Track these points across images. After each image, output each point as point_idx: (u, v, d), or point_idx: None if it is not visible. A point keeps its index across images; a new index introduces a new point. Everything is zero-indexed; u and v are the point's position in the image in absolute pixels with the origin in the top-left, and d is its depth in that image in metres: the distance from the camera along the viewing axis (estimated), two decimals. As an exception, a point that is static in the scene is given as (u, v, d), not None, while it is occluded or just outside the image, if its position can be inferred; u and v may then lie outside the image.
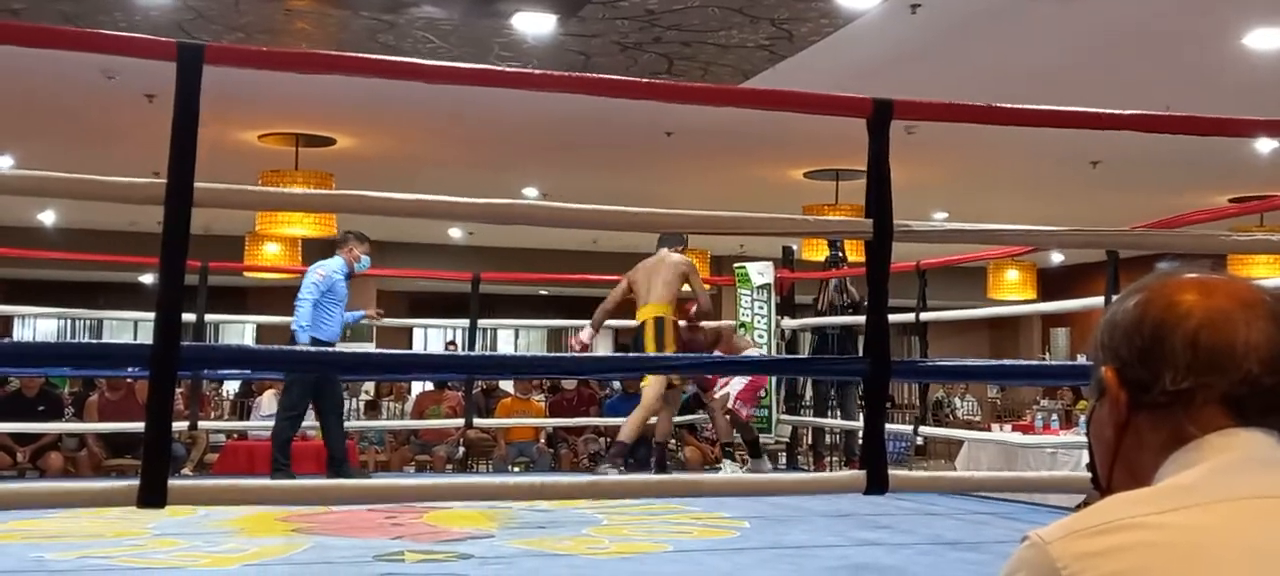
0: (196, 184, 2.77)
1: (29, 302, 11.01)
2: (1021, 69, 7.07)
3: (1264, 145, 9.09)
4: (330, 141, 9.45)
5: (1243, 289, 1.02)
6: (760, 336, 8.54)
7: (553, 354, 6.51)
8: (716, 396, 7.65)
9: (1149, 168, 9.90)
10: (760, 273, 8.58)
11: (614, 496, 5.94)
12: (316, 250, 13.17)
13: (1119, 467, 1.05)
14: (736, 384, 7.62)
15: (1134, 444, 1.03)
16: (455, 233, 14.94)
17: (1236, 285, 1.03)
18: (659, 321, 6.98)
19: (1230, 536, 0.89)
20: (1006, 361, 13.08)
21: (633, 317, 7.29)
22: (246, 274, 12.90)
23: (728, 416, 7.66)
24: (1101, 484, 1.07)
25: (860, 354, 4.13)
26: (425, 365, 7.06)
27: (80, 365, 8.72)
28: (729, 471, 7.47)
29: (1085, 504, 0.97)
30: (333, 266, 7.12)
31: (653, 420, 7.30)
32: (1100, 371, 1.06)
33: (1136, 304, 1.04)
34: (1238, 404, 0.99)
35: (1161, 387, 1.00)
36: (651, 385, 7.31)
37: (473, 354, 6.41)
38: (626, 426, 7.14)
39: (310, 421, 9.71)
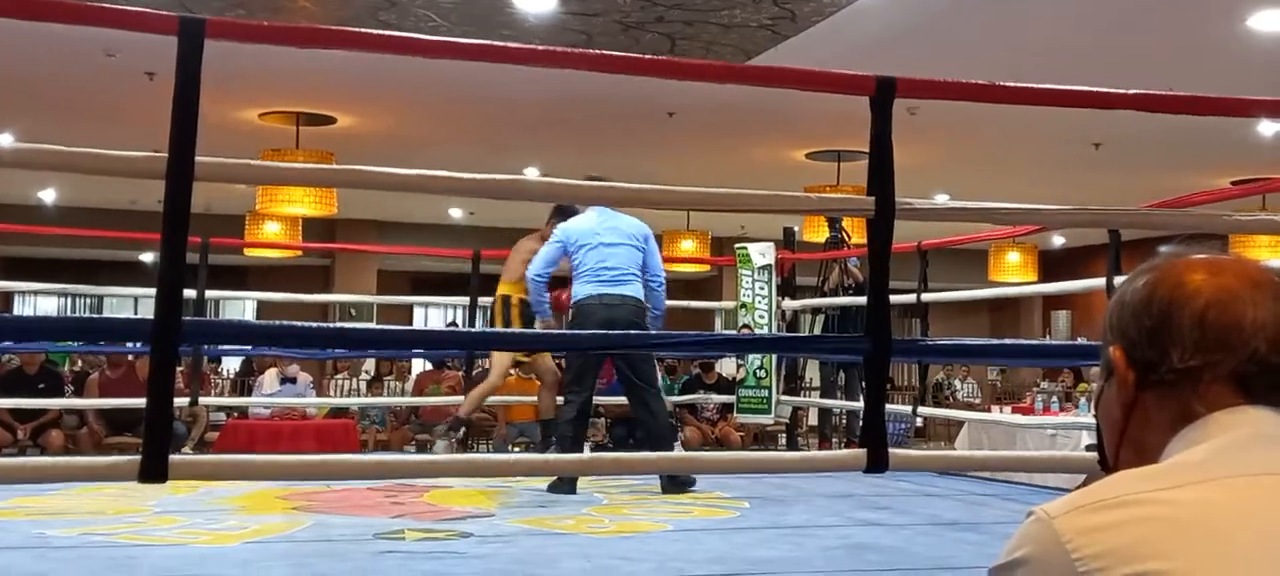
0: (198, 158, 2.76)
1: (29, 281, 11.00)
2: (1024, 50, 7.05)
3: (1266, 127, 9.08)
4: (331, 120, 9.44)
5: (1251, 268, 1.03)
6: (761, 317, 8.54)
7: (555, 331, 6.45)
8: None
9: (1151, 150, 9.89)
10: (761, 253, 8.56)
11: (613, 475, 5.97)
12: (317, 229, 13.22)
13: (1126, 446, 1.06)
14: None
15: (1141, 422, 1.04)
16: (456, 212, 14.93)
17: (1244, 265, 1.03)
18: (504, 300, 6.85)
19: (1237, 512, 0.89)
20: (1007, 341, 13.09)
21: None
22: (247, 252, 12.90)
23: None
24: (1109, 463, 1.08)
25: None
26: (427, 341, 7.03)
27: (83, 338, 8.74)
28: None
29: (1086, 483, 0.98)
30: None
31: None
32: (1108, 351, 1.06)
33: (1145, 284, 1.05)
34: (1245, 382, 0.99)
35: (1169, 366, 1.01)
36: (496, 362, 7.22)
37: (474, 331, 6.40)
38: (466, 402, 7.23)
39: (311, 400, 9.75)
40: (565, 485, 5.63)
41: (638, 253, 5.90)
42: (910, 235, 6.57)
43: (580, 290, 5.85)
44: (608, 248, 5.87)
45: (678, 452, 6.44)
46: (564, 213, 6.34)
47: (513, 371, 7.80)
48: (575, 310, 5.89)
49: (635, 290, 5.84)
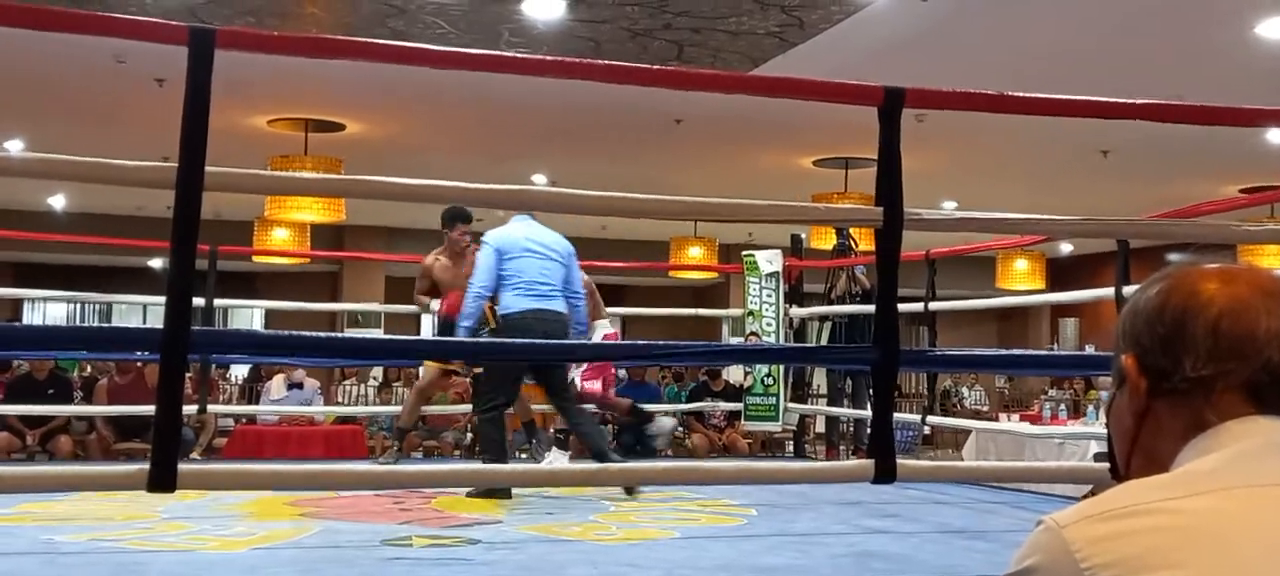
0: (207, 167, 2.78)
1: (38, 286, 11.05)
2: (1031, 56, 7.05)
3: (1275, 136, 9.06)
4: (340, 127, 9.46)
5: (1264, 278, 1.03)
6: (768, 324, 8.54)
7: (564, 341, 6.47)
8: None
9: (1159, 158, 9.88)
10: (769, 261, 8.57)
11: (620, 484, 5.96)
12: (325, 235, 13.25)
13: (1137, 455, 1.06)
14: (577, 367, 6.75)
15: (1153, 431, 1.04)
16: (463, 219, 14.94)
17: (1258, 274, 1.04)
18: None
19: (1247, 522, 0.89)
20: (1015, 351, 13.07)
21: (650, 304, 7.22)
22: (255, 259, 12.93)
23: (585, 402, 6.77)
24: (1120, 471, 1.08)
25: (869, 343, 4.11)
26: (433, 350, 7.03)
27: (92, 348, 8.75)
28: (553, 459, 6.50)
29: (1093, 492, 0.98)
30: None
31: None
32: (1121, 359, 1.06)
33: (1159, 292, 1.05)
34: (1258, 391, 0.99)
35: (1182, 375, 1.01)
36: (427, 367, 7.34)
37: (480, 339, 6.39)
38: (403, 411, 7.51)
39: (319, 409, 9.76)
40: (499, 491, 5.58)
41: (562, 268, 5.93)
42: (918, 243, 6.57)
43: (514, 302, 5.80)
44: (539, 260, 5.87)
45: (692, 463, 6.44)
46: (461, 215, 6.68)
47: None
48: (506, 322, 5.82)
49: (562, 305, 5.90)
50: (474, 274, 5.93)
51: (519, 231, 5.93)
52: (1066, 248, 15.99)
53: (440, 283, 7.05)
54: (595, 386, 6.93)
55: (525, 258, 5.85)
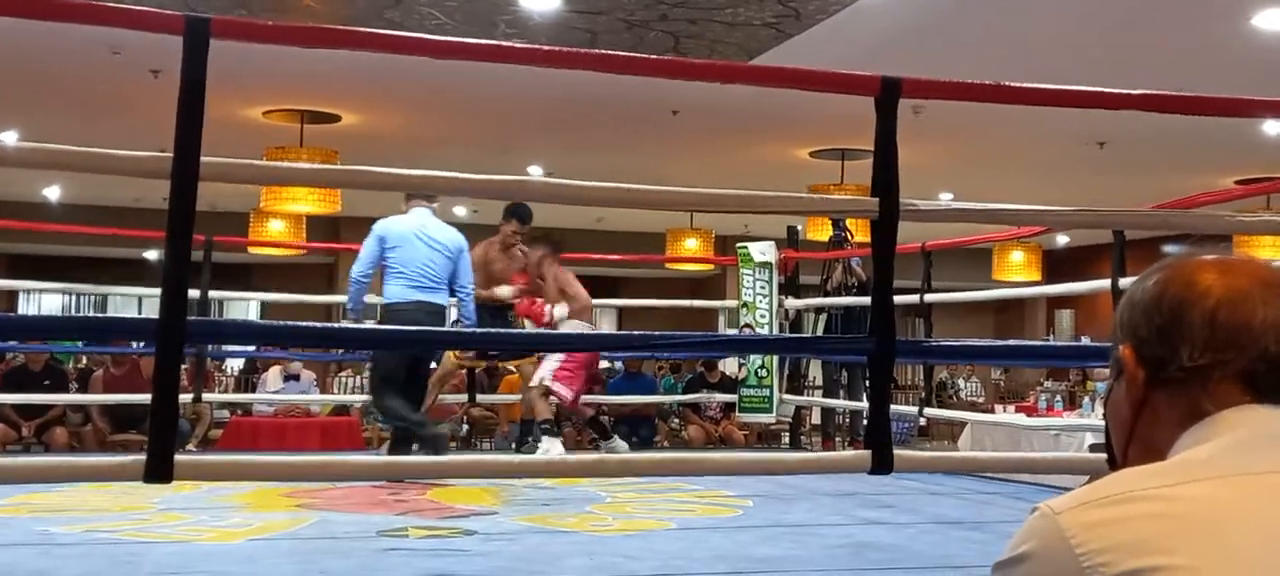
0: (203, 158, 2.77)
1: (33, 279, 11.03)
2: (1028, 49, 7.05)
3: (1271, 127, 9.07)
4: (335, 118, 9.44)
5: (1262, 269, 1.04)
6: (762, 316, 8.53)
7: (559, 332, 6.48)
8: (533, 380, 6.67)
9: (1156, 150, 9.89)
10: (762, 252, 8.56)
11: (617, 475, 5.96)
12: (321, 226, 13.23)
13: (1135, 445, 1.06)
14: (549, 364, 6.58)
15: (1150, 421, 1.04)
16: (460, 210, 14.93)
17: (1256, 265, 1.04)
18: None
19: (1241, 510, 0.89)
20: (1011, 342, 13.07)
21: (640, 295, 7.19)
22: (251, 249, 12.92)
23: (550, 399, 6.54)
24: (1117, 462, 1.08)
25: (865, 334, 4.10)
26: (429, 341, 7.02)
27: (87, 337, 8.75)
28: (544, 450, 6.31)
29: (1091, 482, 0.99)
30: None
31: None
32: (1118, 350, 1.07)
33: (1156, 283, 1.06)
34: (1254, 380, 1.00)
35: (1179, 364, 1.01)
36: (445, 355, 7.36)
37: (477, 330, 6.38)
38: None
39: (314, 398, 9.76)
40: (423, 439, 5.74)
41: (450, 262, 5.98)
42: (914, 235, 6.57)
43: (399, 293, 5.86)
44: (426, 251, 5.91)
45: (684, 453, 6.44)
46: (519, 213, 6.62)
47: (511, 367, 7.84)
48: (388, 312, 5.87)
49: (444, 299, 5.99)
50: (356, 261, 6.06)
51: (411, 221, 5.98)
52: (1063, 240, 16.01)
53: (492, 274, 6.97)
54: (566, 393, 6.62)
55: (411, 247, 5.89)
